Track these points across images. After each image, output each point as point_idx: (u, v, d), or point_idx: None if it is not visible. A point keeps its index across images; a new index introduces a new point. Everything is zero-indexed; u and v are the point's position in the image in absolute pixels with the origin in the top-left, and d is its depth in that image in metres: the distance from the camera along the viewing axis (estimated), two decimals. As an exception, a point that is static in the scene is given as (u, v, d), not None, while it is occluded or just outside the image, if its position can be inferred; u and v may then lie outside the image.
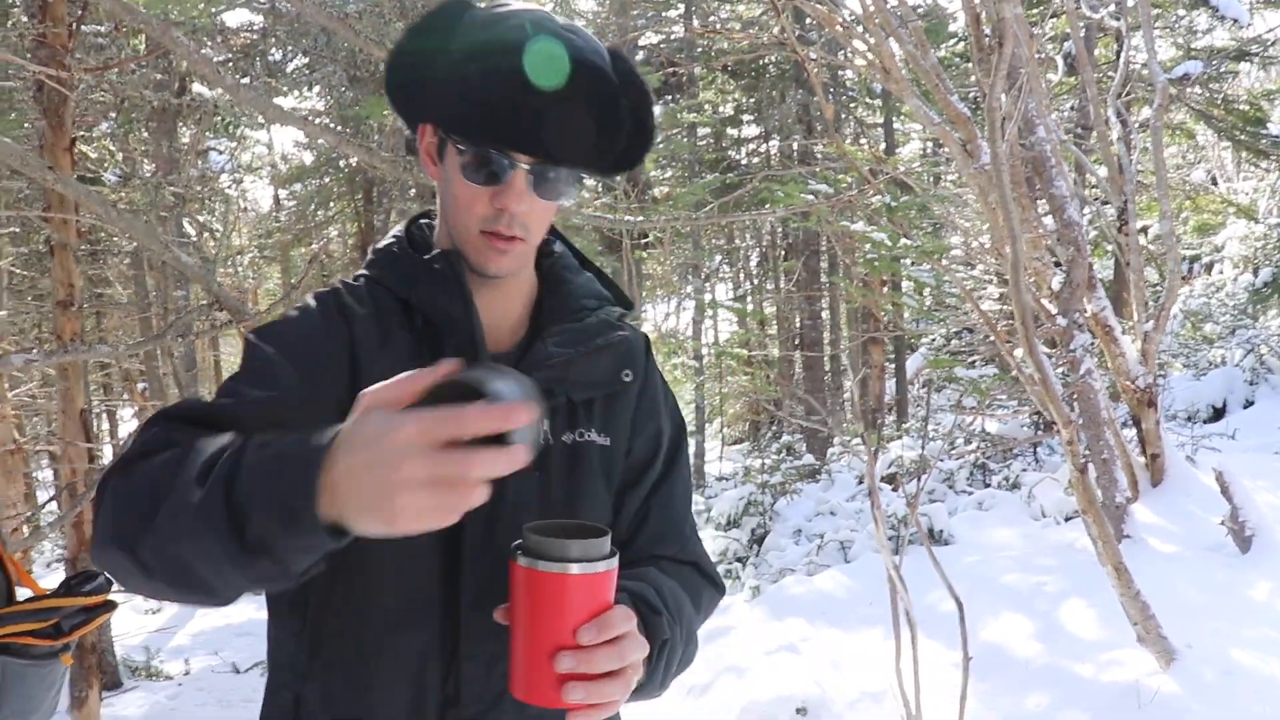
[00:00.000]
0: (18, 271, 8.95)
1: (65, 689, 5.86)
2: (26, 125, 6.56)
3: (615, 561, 0.98)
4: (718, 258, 19.83)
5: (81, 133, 6.87)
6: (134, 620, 10.77)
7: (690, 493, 1.42)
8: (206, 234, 12.61)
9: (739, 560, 8.84)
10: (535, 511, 1.19)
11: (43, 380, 8.38)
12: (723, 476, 16.83)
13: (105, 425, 16.38)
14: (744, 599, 7.87)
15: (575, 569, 0.94)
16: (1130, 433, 7.04)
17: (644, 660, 1.05)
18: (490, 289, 1.25)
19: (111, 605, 2.08)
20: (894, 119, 14.29)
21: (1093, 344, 6.41)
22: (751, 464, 11.11)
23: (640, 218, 5.41)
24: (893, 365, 15.40)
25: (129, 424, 18.23)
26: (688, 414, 27.75)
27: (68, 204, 4.65)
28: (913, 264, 6.61)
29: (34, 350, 5.18)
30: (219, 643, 9.27)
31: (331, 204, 17.34)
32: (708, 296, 18.40)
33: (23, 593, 2.14)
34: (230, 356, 27.33)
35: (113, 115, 8.39)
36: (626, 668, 0.99)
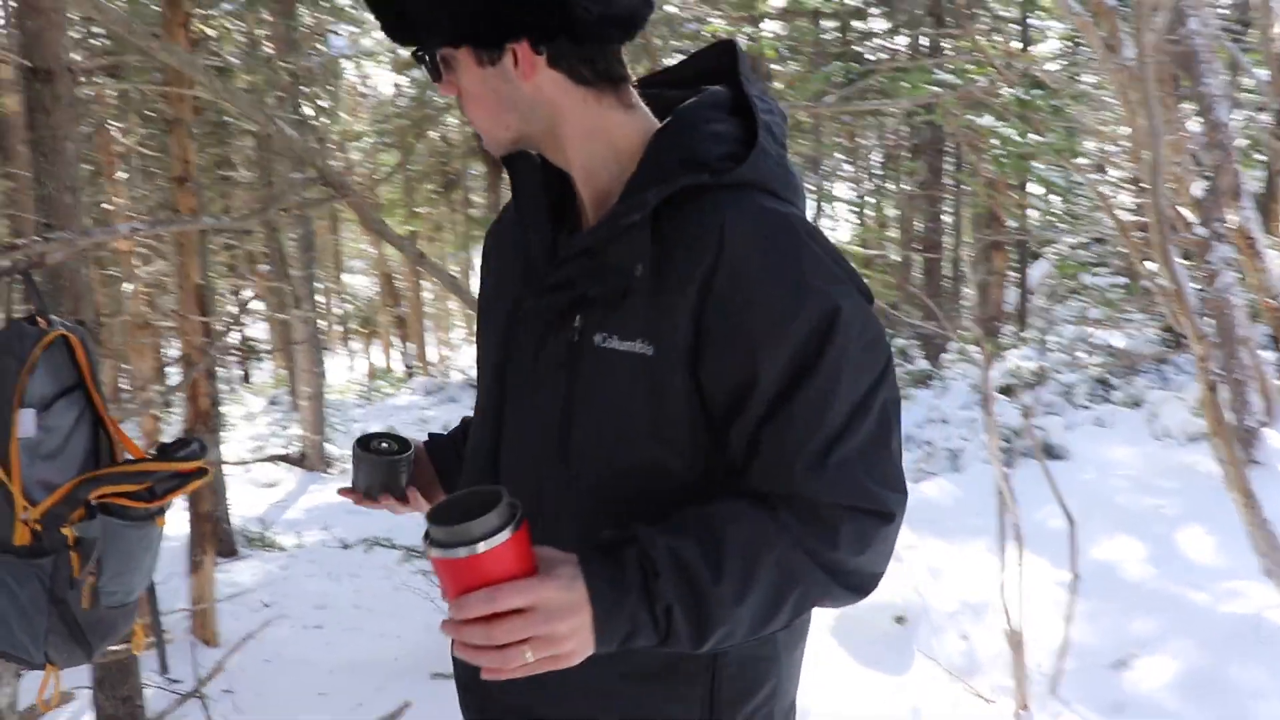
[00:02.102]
0: (147, 151, 9.17)
1: (183, 555, 6.18)
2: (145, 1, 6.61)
3: (498, 539, 0.96)
4: (838, 156, 19.23)
5: (200, 11, 6.90)
6: (252, 493, 11.25)
7: (837, 407, 1.06)
8: (323, 117, 12.74)
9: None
10: (555, 428, 1.16)
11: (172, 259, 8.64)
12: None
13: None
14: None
15: (435, 553, 0.97)
16: (1269, 354, 6.63)
17: (627, 627, 1.02)
18: (561, 163, 1.22)
19: (203, 472, 2.10)
20: (1030, 14, 13.46)
21: (1234, 257, 6.00)
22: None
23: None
24: (1015, 273, 14.81)
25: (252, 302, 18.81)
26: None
27: (183, 80, 4.68)
28: (1043, 165, 6.24)
29: (140, 221, 5.28)
30: (329, 519, 9.61)
31: (451, 91, 17.26)
32: (826, 192, 17.90)
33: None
34: (350, 239, 27.92)
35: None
36: (510, 644, 0.98)
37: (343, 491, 1.53)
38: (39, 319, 2.16)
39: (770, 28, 10.71)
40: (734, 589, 1.03)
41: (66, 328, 2.23)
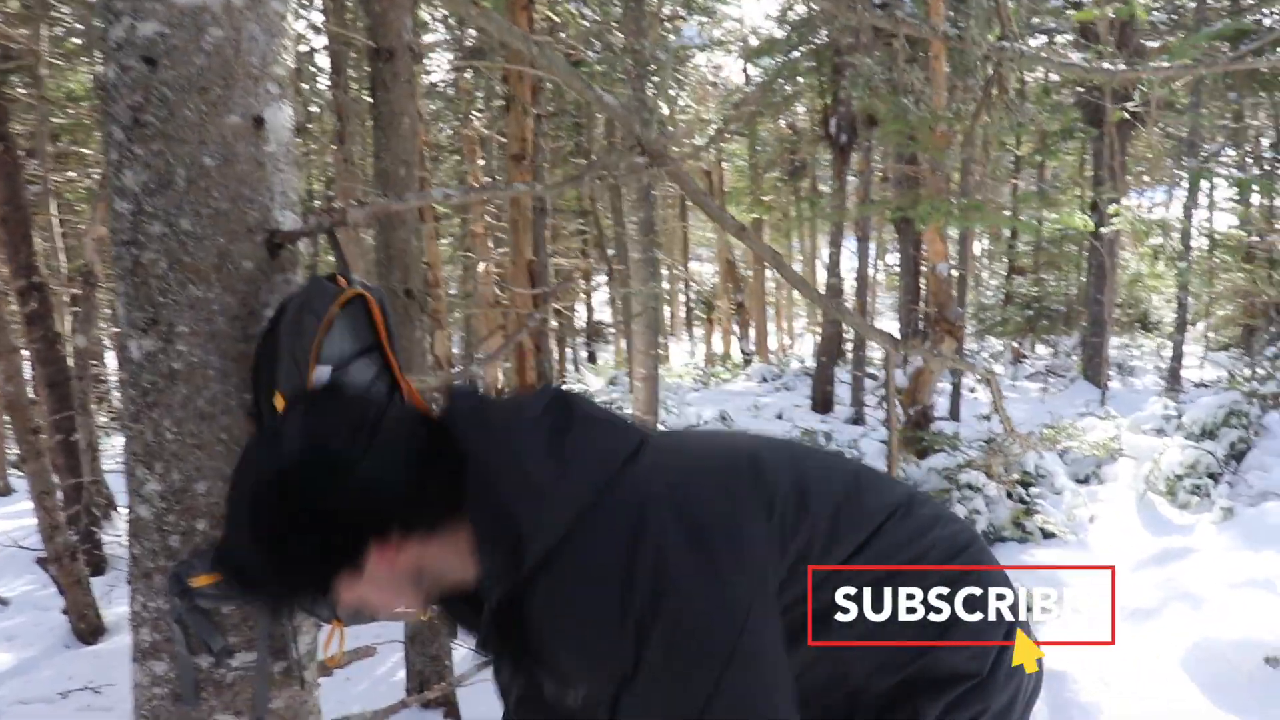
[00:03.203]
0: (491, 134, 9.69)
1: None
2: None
3: None
4: (1220, 140, 17.14)
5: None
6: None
7: None
8: (666, 104, 12.99)
9: (1210, 476, 7.71)
10: None
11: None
12: (1202, 383, 14.88)
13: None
14: (1210, 520, 6.86)
15: None
16: None
17: None
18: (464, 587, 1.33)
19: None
20: None
21: None
22: (1238, 371, 9.57)
23: (1122, 67, 4.59)
24: None
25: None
26: (1168, 313, 24.87)
27: (521, 59, 4.83)
28: None
29: (452, 188, 5.52)
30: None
31: (799, 78, 17.19)
32: (1203, 181, 16.00)
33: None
34: (698, 228, 28.52)
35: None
36: None
37: None
38: (338, 278, 2.24)
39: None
40: None
41: (365, 287, 2.30)
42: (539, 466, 1.19)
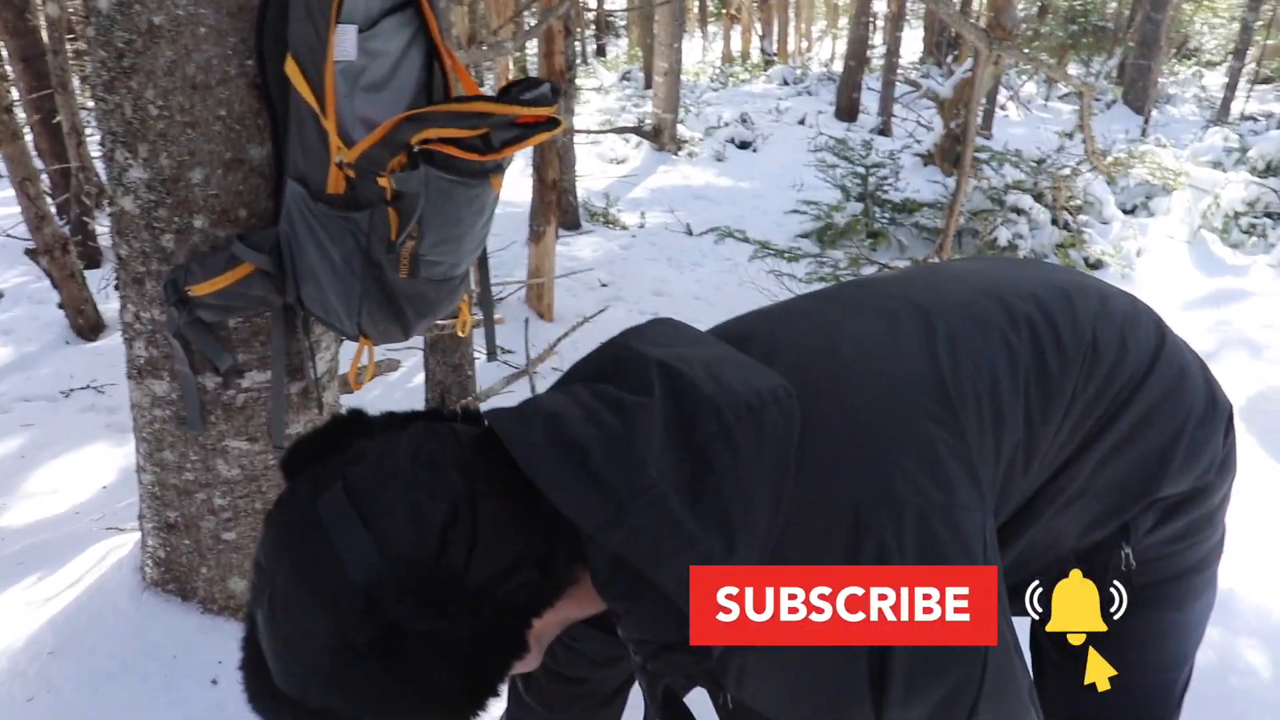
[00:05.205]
0: None
1: (523, 224, 6.05)
2: None
3: None
4: None
5: None
6: (599, 167, 11.16)
7: None
8: None
9: (1269, 216, 7.27)
10: None
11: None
12: (1251, 116, 14.11)
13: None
14: (1268, 262, 6.49)
15: None
16: None
17: None
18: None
19: (554, 123, 1.61)
20: None
21: None
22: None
23: None
24: None
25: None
26: (1210, 39, 23.30)
27: None
28: None
29: None
30: (676, 202, 9.32)
31: None
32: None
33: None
34: None
35: None
36: None
37: None
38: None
39: None
40: None
41: (396, -80, 1.77)
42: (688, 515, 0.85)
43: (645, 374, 0.91)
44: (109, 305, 5.28)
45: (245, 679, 0.88)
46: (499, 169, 1.66)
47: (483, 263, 1.96)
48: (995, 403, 0.97)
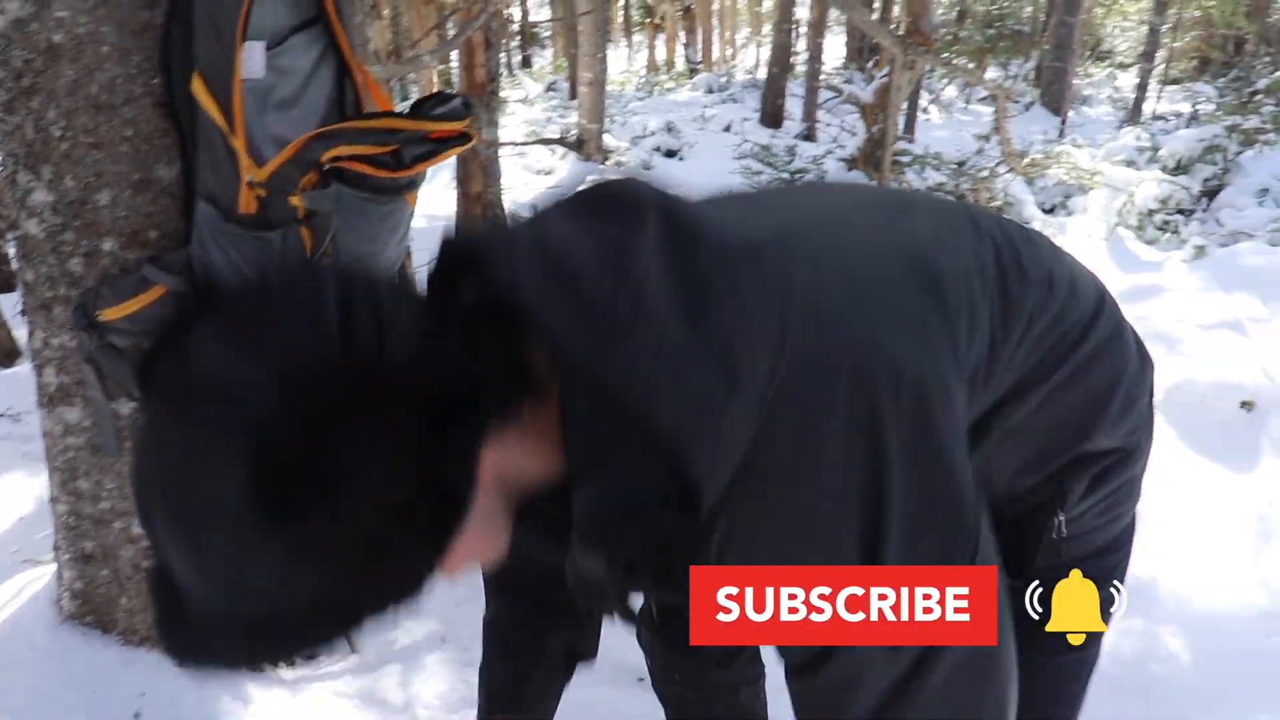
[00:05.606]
0: None
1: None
2: None
3: None
4: None
5: None
6: (525, 179, 11.10)
7: None
8: None
9: (1180, 212, 7.50)
10: None
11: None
12: (1161, 116, 14.54)
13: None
14: (1181, 258, 6.68)
15: None
16: None
17: None
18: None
19: (465, 138, 1.61)
20: None
21: None
22: (1220, 101, 9.22)
23: None
24: None
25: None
26: (1122, 42, 23.98)
27: None
28: None
29: None
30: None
31: None
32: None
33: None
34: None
35: None
36: None
37: None
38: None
39: None
40: None
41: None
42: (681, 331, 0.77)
43: (636, 208, 0.83)
44: (24, 331, 5.13)
45: (165, 634, 0.74)
46: (412, 185, 1.65)
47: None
48: (971, 305, 0.95)
